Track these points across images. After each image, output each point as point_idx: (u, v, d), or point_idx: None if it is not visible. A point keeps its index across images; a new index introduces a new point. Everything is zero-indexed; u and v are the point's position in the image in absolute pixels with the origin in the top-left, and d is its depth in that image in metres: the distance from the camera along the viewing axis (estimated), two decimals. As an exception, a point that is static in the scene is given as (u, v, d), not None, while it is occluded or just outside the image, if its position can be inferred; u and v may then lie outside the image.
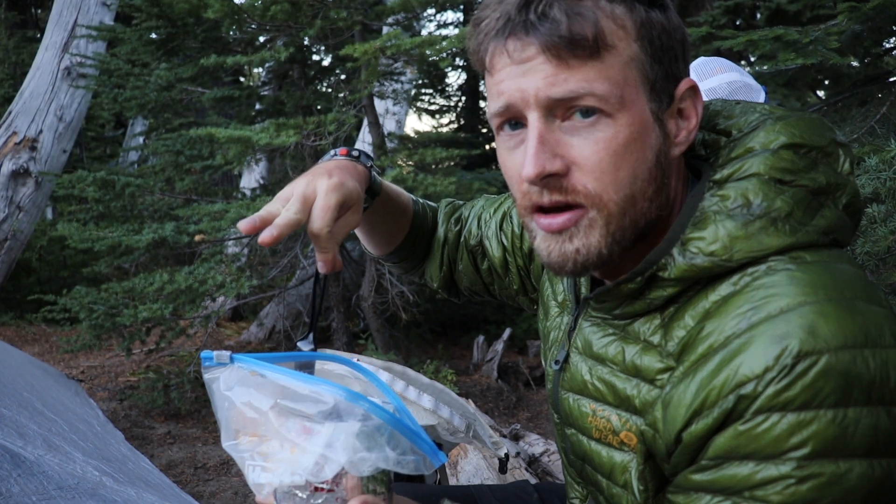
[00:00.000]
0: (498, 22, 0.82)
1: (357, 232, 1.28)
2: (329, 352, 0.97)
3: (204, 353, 0.85)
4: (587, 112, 0.80)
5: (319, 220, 0.90)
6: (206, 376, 0.85)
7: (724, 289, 0.80)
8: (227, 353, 0.85)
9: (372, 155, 1.15)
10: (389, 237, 1.29)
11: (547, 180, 0.82)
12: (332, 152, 1.09)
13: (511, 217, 1.27)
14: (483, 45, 0.84)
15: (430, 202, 1.37)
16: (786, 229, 0.80)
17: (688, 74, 0.87)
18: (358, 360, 1.36)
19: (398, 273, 1.41)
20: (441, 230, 1.34)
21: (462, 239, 1.33)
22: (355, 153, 1.09)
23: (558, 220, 0.83)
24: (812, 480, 0.71)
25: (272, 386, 0.82)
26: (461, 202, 1.39)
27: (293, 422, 0.81)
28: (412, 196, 1.32)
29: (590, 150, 0.80)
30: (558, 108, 0.81)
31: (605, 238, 0.83)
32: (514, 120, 0.84)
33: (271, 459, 0.81)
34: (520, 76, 0.81)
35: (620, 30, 0.80)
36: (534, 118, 0.81)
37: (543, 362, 1.13)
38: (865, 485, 0.71)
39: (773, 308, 0.75)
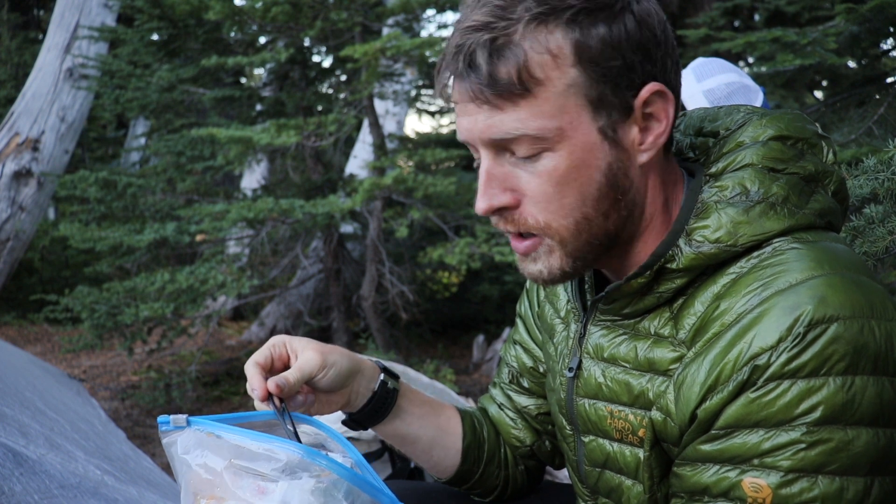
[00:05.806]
0: (445, 59, 0.84)
1: (415, 455, 1.15)
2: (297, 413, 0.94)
3: (161, 418, 0.85)
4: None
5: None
6: (165, 441, 0.86)
7: (732, 272, 0.83)
8: (184, 416, 0.85)
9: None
10: (447, 438, 1.14)
11: (499, 212, 0.86)
12: None
13: (523, 322, 1.18)
14: (438, 76, 0.87)
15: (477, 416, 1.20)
16: (784, 212, 0.83)
17: (659, 76, 0.84)
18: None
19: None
20: (496, 395, 1.21)
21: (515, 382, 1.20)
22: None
23: (522, 245, 0.88)
24: (821, 446, 0.74)
25: (227, 446, 0.82)
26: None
27: (248, 481, 0.80)
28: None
29: (535, 183, 0.84)
30: (505, 145, 0.83)
31: (566, 258, 0.87)
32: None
33: None
34: (464, 115, 0.84)
35: (554, 59, 0.80)
36: (483, 155, 0.86)
37: (549, 395, 1.08)
38: (871, 452, 0.74)
39: (783, 282, 0.78)
